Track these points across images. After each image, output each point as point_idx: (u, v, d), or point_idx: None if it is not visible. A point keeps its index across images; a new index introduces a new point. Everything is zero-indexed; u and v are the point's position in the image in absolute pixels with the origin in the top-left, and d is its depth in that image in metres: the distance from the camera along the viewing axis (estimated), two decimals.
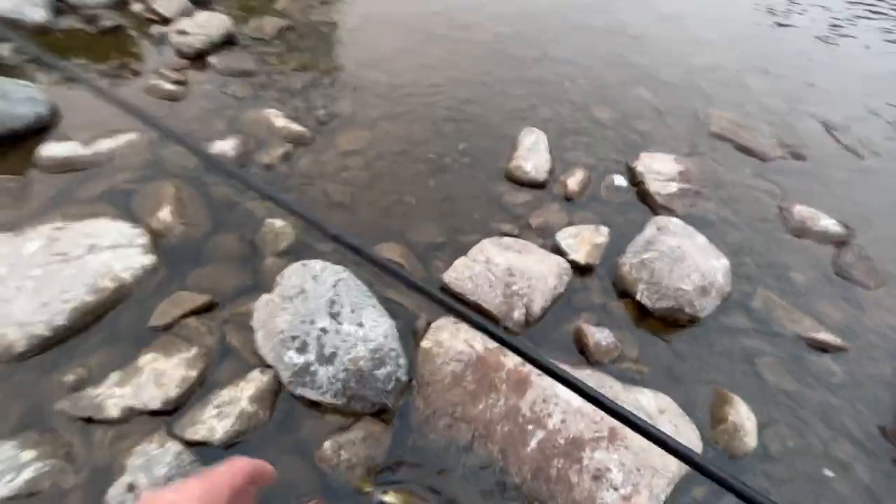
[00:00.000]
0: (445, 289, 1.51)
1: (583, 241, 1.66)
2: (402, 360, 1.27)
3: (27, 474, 1.02)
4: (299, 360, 1.19)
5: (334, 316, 1.26)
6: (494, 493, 1.12)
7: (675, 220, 1.70)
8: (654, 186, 1.93)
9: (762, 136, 2.39)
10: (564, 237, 1.67)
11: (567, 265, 1.57)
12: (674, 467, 1.10)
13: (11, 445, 1.06)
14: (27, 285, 1.30)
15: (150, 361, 1.23)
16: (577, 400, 1.16)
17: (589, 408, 1.15)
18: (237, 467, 0.41)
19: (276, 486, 1.11)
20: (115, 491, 1.02)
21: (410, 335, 1.38)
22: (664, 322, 1.52)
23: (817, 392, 1.41)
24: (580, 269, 1.61)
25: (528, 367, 1.22)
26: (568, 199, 1.89)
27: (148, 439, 1.10)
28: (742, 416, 1.28)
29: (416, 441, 1.20)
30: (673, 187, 1.94)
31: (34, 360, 1.23)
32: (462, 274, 1.49)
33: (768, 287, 1.67)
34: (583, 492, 1.08)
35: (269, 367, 1.25)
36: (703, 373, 1.40)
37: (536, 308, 1.44)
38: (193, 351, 1.26)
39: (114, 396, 1.15)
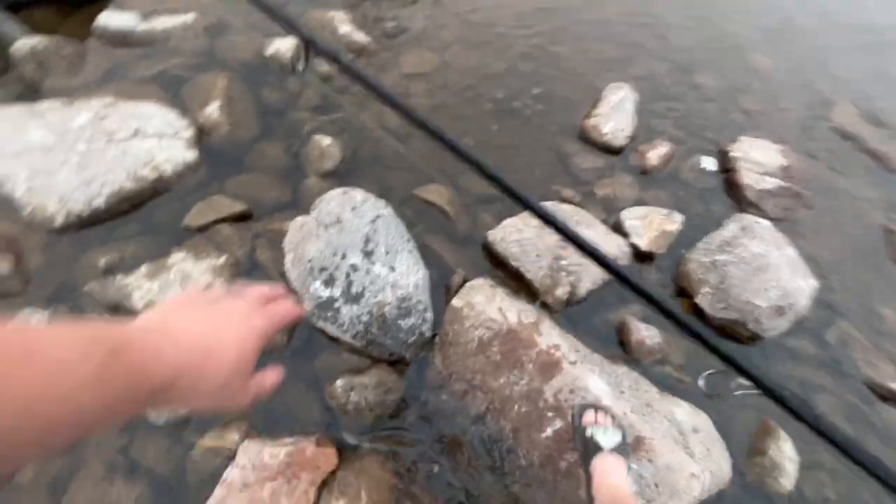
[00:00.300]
0: (487, 247, 1.39)
1: (650, 224, 1.47)
2: (428, 315, 1.20)
3: None
4: (325, 293, 1.14)
5: (368, 254, 1.18)
6: (496, 468, 1.08)
7: (764, 222, 1.47)
8: (748, 178, 1.66)
9: (893, 140, 2.00)
10: (630, 217, 1.48)
11: (628, 249, 1.41)
12: (696, 492, 1.02)
13: (43, 313, 1.09)
14: (72, 160, 1.27)
15: (179, 261, 1.21)
16: (607, 399, 1.06)
17: (619, 412, 1.06)
18: (289, 311, 0.37)
19: (282, 411, 1.11)
20: None
21: (442, 289, 1.29)
22: (721, 333, 1.36)
23: (876, 446, 1.25)
24: (640, 255, 1.44)
25: (561, 353, 1.12)
26: (644, 172, 1.67)
27: None
28: (784, 453, 1.16)
29: (428, 398, 1.15)
30: (769, 183, 1.67)
31: (71, 237, 1.24)
32: (509, 235, 1.36)
33: (850, 320, 1.45)
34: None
35: (293, 291, 1.20)
36: (752, 397, 1.27)
37: (582, 289, 1.31)
38: (223, 259, 1.23)
39: (141, 289, 1.14)
